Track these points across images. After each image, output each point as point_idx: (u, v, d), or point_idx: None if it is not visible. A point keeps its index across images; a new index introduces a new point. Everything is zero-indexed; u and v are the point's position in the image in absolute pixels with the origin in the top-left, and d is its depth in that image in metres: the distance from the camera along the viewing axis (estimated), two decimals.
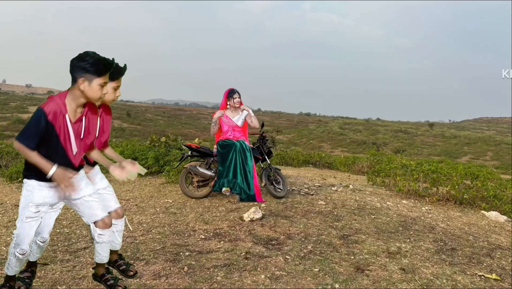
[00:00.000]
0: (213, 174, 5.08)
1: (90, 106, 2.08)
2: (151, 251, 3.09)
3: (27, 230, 2.04)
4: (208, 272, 2.72)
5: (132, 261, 2.88)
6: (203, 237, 3.50)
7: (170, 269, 2.76)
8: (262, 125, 5.50)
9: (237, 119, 4.99)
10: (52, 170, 1.92)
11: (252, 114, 5.03)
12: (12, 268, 2.14)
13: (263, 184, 5.13)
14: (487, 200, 5.85)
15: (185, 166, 5.18)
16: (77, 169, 2.13)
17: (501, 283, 2.86)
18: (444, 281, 2.80)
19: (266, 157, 5.42)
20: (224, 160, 4.86)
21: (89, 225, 2.23)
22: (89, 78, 1.92)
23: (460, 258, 3.32)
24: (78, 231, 3.56)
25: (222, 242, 3.38)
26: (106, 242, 2.24)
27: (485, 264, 3.23)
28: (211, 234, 3.60)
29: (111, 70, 1.98)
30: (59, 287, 2.45)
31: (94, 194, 2.18)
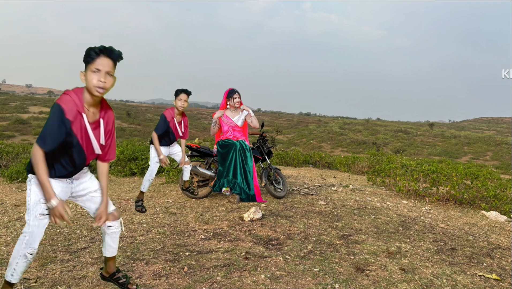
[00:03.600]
0: (213, 174, 5.08)
1: (106, 110, 2.08)
2: (151, 251, 3.09)
3: (41, 228, 1.99)
4: (208, 272, 2.72)
5: (132, 261, 2.88)
6: (203, 237, 3.50)
7: (170, 269, 2.76)
8: (262, 125, 5.49)
9: (237, 119, 4.98)
10: (54, 202, 1.88)
11: (252, 114, 5.03)
12: (18, 273, 2.02)
13: (263, 184, 5.12)
14: (487, 200, 5.85)
15: None
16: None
17: (501, 283, 2.86)
18: (444, 281, 2.80)
19: (266, 157, 5.42)
20: (224, 160, 4.85)
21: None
22: (86, 70, 1.92)
23: (460, 258, 3.32)
24: (78, 231, 3.56)
25: (222, 242, 3.38)
26: (116, 232, 2.28)
27: (485, 264, 3.23)
28: (211, 234, 3.60)
29: (98, 55, 1.89)
30: (59, 287, 2.45)
31: (99, 189, 2.19)
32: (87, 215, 4.14)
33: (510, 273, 3.09)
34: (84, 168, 2.14)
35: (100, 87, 1.90)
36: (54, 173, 1.98)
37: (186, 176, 4.68)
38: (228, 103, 5.01)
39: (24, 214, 4.16)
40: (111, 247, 2.29)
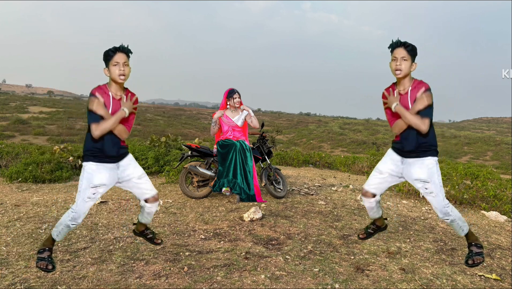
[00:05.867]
0: (213, 174, 5.08)
1: (129, 93, 2.53)
2: (151, 251, 3.10)
3: (86, 209, 2.47)
4: (208, 272, 2.72)
5: (132, 261, 2.88)
6: (203, 237, 3.50)
7: (170, 269, 2.76)
8: (262, 125, 5.49)
9: (237, 119, 4.99)
10: (124, 110, 2.41)
11: (252, 114, 5.03)
12: (62, 235, 2.55)
13: (263, 184, 5.13)
14: (487, 200, 5.85)
15: (185, 166, 5.18)
16: (117, 146, 2.50)
17: (501, 283, 2.86)
18: (444, 281, 2.80)
19: (266, 157, 5.42)
20: (224, 160, 4.85)
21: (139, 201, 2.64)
22: (108, 66, 2.44)
23: (460, 258, 3.32)
24: (78, 231, 3.56)
25: (222, 242, 3.38)
26: (154, 211, 2.69)
27: (485, 264, 3.23)
28: (211, 234, 3.60)
29: (114, 53, 2.42)
30: (59, 287, 2.46)
31: (143, 174, 2.59)
32: (87, 215, 4.14)
33: (510, 273, 3.09)
34: (128, 156, 2.57)
35: (122, 74, 2.41)
36: (104, 153, 2.42)
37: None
38: (228, 103, 5.01)
39: (24, 214, 4.16)
40: (147, 219, 2.74)
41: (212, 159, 5.25)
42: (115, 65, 2.41)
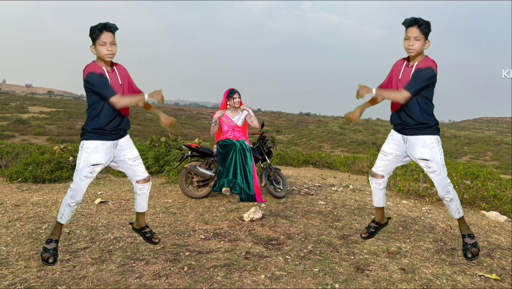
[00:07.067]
0: (213, 174, 5.08)
1: (116, 65, 2.63)
2: (151, 251, 3.09)
3: (83, 186, 2.57)
4: (208, 272, 2.72)
5: (132, 261, 2.88)
6: (203, 237, 3.50)
7: (170, 269, 2.76)
8: (262, 125, 5.50)
9: (237, 119, 4.99)
10: (145, 95, 2.60)
11: (252, 114, 5.03)
12: (66, 217, 2.64)
13: (263, 184, 5.13)
14: (487, 200, 5.85)
15: (185, 166, 5.18)
16: (124, 121, 2.65)
17: (501, 283, 2.86)
18: (444, 281, 2.80)
19: (266, 157, 5.42)
20: (224, 160, 4.86)
21: (131, 183, 2.79)
22: (94, 44, 2.50)
23: (460, 258, 3.32)
24: (78, 231, 3.56)
25: (222, 242, 3.38)
26: (146, 193, 2.81)
27: (485, 264, 3.23)
28: (211, 234, 3.60)
29: (101, 31, 2.46)
30: (59, 287, 2.45)
31: (138, 157, 2.73)
32: (87, 215, 4.14)
33: (510, 273, 3.09)
34: (125, 137, 2.70)
35: (109, 54, 2.50)
36: (107, 124, 2.54)
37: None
38: (228, 103, 5.01)
39: (24, 214, 4.16)
40: (141, 205, 2.83)
41: (212, 159, 5.25)
42: (103, 45, 2.47)
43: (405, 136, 2.70)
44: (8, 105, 58.06)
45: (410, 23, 2.54)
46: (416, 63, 2.59)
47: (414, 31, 2.52)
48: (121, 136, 2.67)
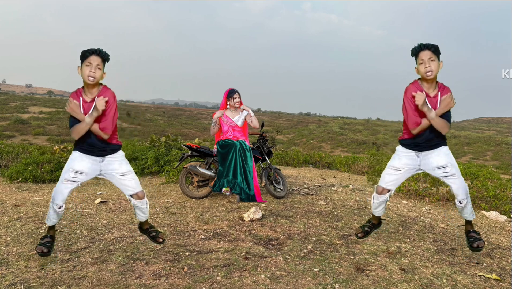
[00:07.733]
0: (213, 174, 5.08)
1: (103, 92, 2.58)
2: (151, 251, 3.10)
3: (62, 189, 2.58)
4: (208, 272, 2.72)
5: (132, 261, 2.88)
6: (203, 237, 3.51)
7: (170, 269, 2.76)
8: (262, 125, 5.49)
9: (237, 119, 4.99)
10: (86, 118, 2.49)
11: (252, 114, 5.03)
12: (51, 219, 2.70)
13: (263, 184, 5.12)
14: (487, 200, 5.85)
15: (185, 166, 5.18)
16: (106, 144, 2.62)
17: (501, 283, 2.86)
18: (444, 281, 2.80)
19: (266, 157, 5.42)
20: (224, 160, 4.85)
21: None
22: (81, 65, 2.52)
23: (460, 258, 3.32)
24: (78, 231, 3.56)
25: (222, 242, 3.38)
26: (143, 207, 2.80)
27: (485, 264, 3.23)
28: (211, 234, 3.60)
29: (91, 54, 2.47)
30: (59, 287, 2.45)
31: (128, 172, 2.68)
32: (87, 215, 4.14)
33: (510, 273, 3.09)
34: (118, 153, 2.67)
35: (91, 76, 2.47)
36: (91, 148, 2.59)
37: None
38: (228, 103, 5.01)
39: (24, 214, 4.16)
40: (141, 216, 2.85)
41: (212, 159, 5.25)
42: (88, 65, 2.48)
43: (418, 152, 2.73)
44: (8, 105, 58.05)
45: (419, 48, 2.54)
46: (438, 92, 2.58)
47: (426, 53, 2.52)
48: (109, 153, 2.66)
